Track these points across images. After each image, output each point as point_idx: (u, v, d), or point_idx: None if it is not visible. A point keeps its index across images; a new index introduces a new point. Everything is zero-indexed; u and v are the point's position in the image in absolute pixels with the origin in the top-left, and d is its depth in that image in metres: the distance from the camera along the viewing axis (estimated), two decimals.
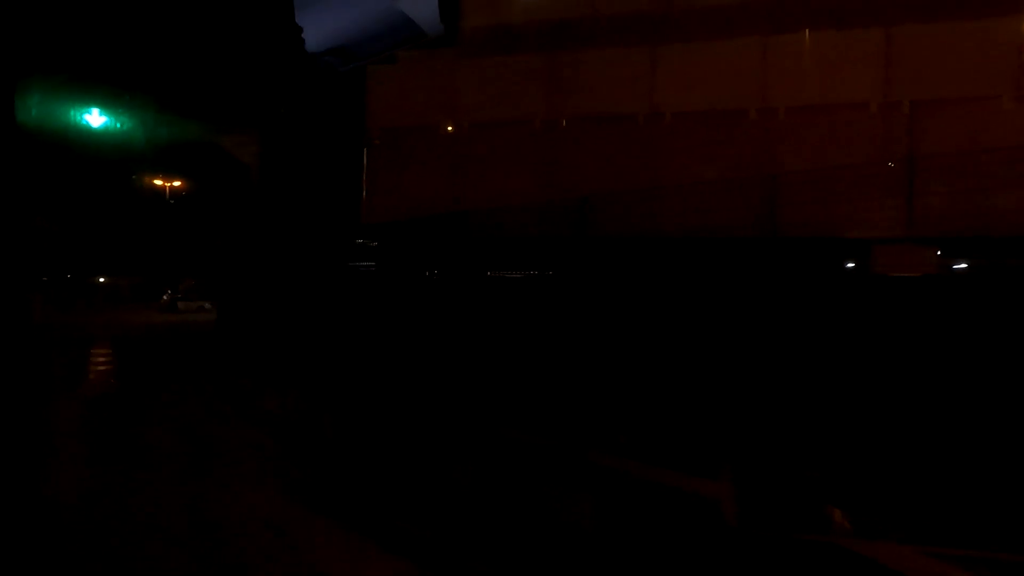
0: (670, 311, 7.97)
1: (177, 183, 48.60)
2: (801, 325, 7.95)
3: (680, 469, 6.70)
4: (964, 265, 10.68)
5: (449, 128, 12.23)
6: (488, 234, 10.82)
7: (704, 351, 7.66)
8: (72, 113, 16.88)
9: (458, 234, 11.05)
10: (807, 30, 10.52)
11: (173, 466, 7.31)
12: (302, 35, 17.98)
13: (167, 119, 18.62)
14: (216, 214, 24.40)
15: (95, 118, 16.94)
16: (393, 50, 16.36)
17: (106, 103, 17.06)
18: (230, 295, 21.74)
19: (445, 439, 7.67)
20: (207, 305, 45.76)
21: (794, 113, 10.57)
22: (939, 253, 9.68)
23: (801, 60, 10.48)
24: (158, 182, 47.71)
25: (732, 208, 9.85)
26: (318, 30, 19.22)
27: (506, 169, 11.67)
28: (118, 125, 17.24)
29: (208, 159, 20.15)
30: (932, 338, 7.49)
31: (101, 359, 12.13)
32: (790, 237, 9.89)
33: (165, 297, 47.68)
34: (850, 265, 10.19)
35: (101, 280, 55.90)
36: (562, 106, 11.59)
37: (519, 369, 8.41)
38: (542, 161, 11.57)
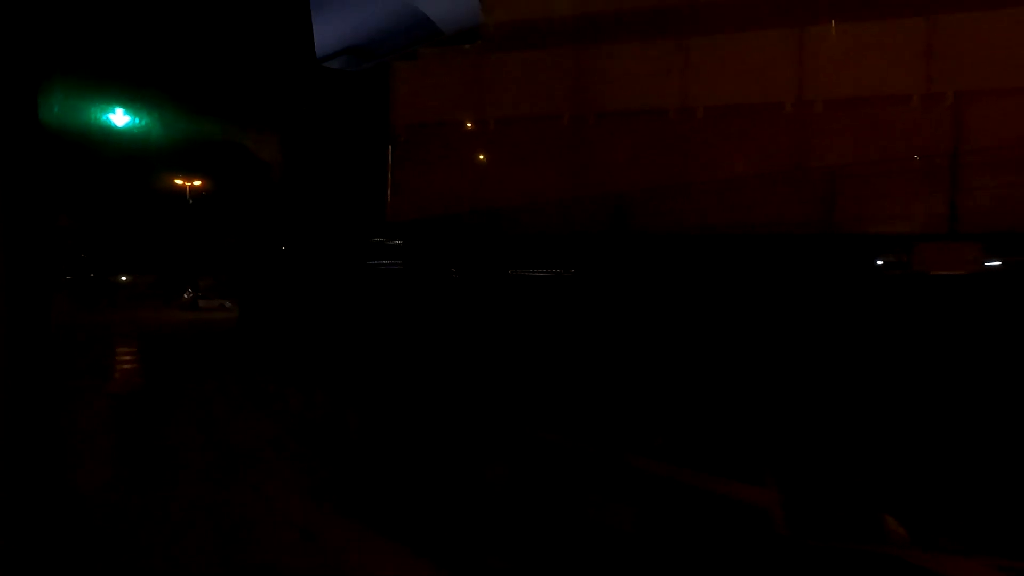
0: (706, 310, 7.73)
1: (197, 183, 49.01)
2: (842, 324, 7.69)
3: (719, 473, 6.47)
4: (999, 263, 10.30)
5: (473, 125, 12.03)
6: (516, 232, 10.61)
7: (743, 350, 7.43)
8: (96, 112, 16.87)
9: (485, 232, 10.85)
10: (845, 20, 10.17)
11: (200, 465, 7.22)
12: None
13: (189, 118, 18.61)
14: (238, 213, 24.43)
15: (119, 117, 16.92)
16: (409, 48, 16.24)
17: (130, 102, 17.04)
18: (252, 294, 21.77)
19: (477, 441, 7.49)
20: (227, 303, 46.07)
21: (832, 106, 10.23)
22: (982, 250, 9.36)
23: (839, 51, 10.13)
24: (178, 181, 48.14)
25: (768, 204, 9.57)
26: (331, 30, 19.15)
27: (533, 166, 11.44)
28: (141, 124, 17.22)
29: (230, 158, 20.17)
30: (980, 337, 7.20)
31: (127, 358, 12.10)
32: (828, 233, 9.57)
33: (186, 295, 48.03)
34: (889, 262, 9.88)
35: (123, 279, 56.50)
36: (590, 101, 11.33)
37: (553, 370, 8.22)
38: (570, 157, 11.32)
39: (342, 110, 17.14)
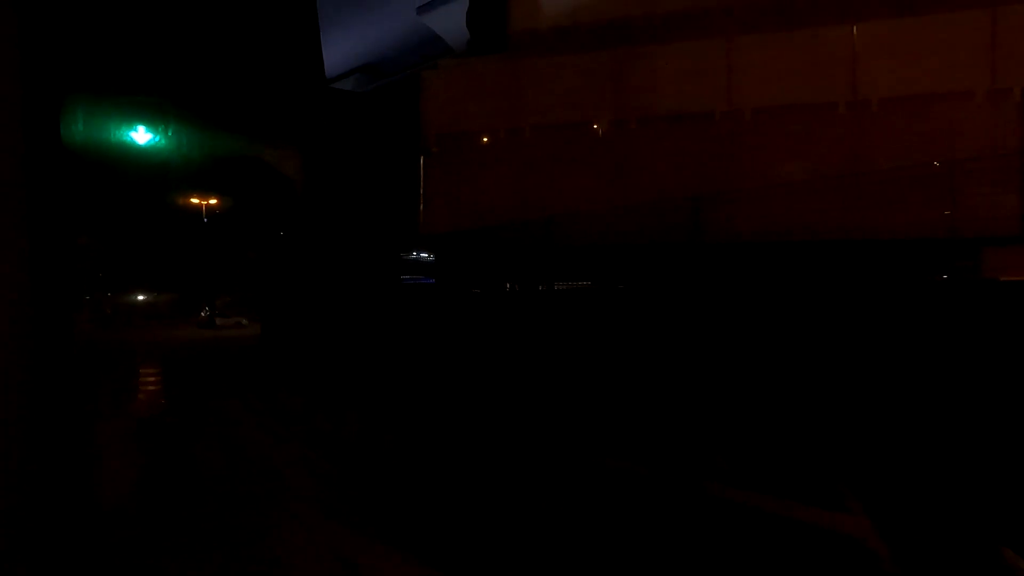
0: (772, 320, 7.24)
1: (213, 200, 49.15)
2: (914, 333, 7.16)
3: (790, 496, 5.94)
4: None
5: (507, 133, 11.62)
6: (556, 243, 10.16)
7: (816, 362, 6.92)
8: (117, 131, 16.67)
9: (523, 243, 10.41)
10: (900, 15, 9.71)
11: (229, 489, 6.75)
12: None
13: (209, 134, 18.38)
14: (259, 229, 24.20)
15: (141, 135, 16.69)
16: (417, 68, 16.06)
17: (151, 120, 16.82)
18: (274, 311, 21.43)
19: (532, 468, 7.00)
20: (244, 321, 46.04)
21: (889, 105, 9.75)
22: None
23: (895, 48, 9.66)
24: (195, 200, 48.29)
25: (823, 209, 9.05)
26: (340, 50, 18.89)
27: (572, 174, 11.02)
28: (163, 142, 16.99)
29: (251, 173, 19.91)
30: None
31: (150, 379, 11.77)
32: (892, 240, 9.05)
33: (203, 313, 48.00)
34: (959, 268, 9.33)
35: (139, 297, 56.61)
36: (630, 106, 10.91)
37: (606, 389, 7.73)
38: (610, 164, 10.89)
39: (368, 122, 16.90)
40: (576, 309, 9.01)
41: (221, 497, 6.35)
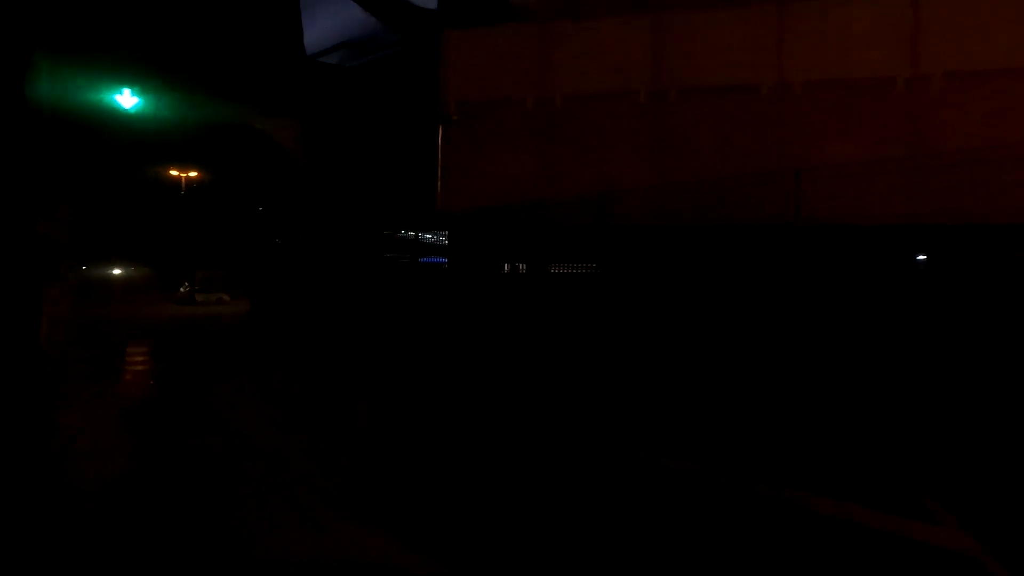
0: (825, 310, 6.64)
1: (193, 173, 47.71)
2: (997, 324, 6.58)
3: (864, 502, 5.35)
4: None
5: (536, 102, 10.78)
6: (587, 222, 9.43)
7: (895, 356, 6.35)
8: (99, 93, 15.51)
9: (551, 222, 9.66)
10: None
11: (237, 487, 5.96)
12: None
13: (200, 100, 17.27)
14: (251, 200, 23.09)
15: (126, 99, 15.52)
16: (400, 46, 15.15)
17: (138, 83, 15.68)
18: (264, 289, 20.48)
19: (564, 462, 6.34)
20: (225, 297, 44.74)
21: (954, 80, 9.11)
22: None
23: (962, 18, 9.01)
24: (174, 172, 46.79)
25: (876, 192, 8.46)
26: (323, 26, 17.90)
27: (606, 148, 10.25)
28: (150, 107, 15.86)
29: (244, 143, 18.85)
30: None
31: (136, 360, 10.89)
32: (969, 225, 8.43)
33: (183, 289, 46.56)
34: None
35: (115, 271, 54.84)
36: (671, 76, 10.15)
37: (643, 377, 7.09)
38: (649, 139, 10.15)
39: (375, 91, 15.97)
40: (598, 293, 8.31)
41: (228, 499, 5.58)
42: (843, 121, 9.30)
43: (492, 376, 8.97)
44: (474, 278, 9.68)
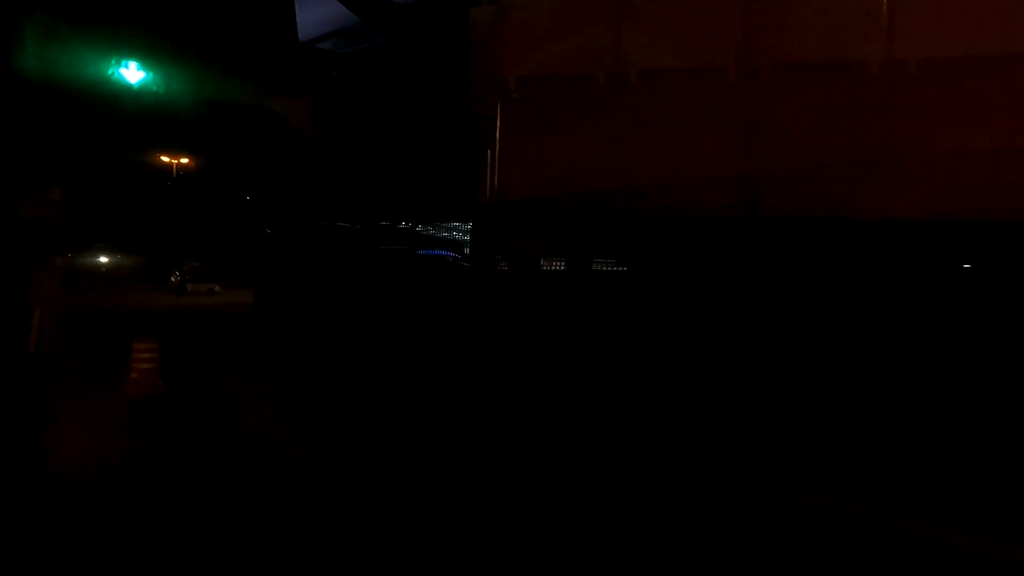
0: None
1: (185, 160, 46.44)
2: None
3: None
4: None
5: (609, 79, 9.63)
6: (667, 215, 8.33)
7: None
8: (100, 66, 14.18)
9: (624, 215, 8.53)
10: None
11: (273, 505, 5.01)
12: None
13: (210, 77, 15.98)
14: (252, 187, 21.69)
15: (132, 73, 14.17)
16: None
17: (144, 56, 14.36)
18: (270, 278, 19.27)
19: (669, 494, 5.28)
20: (216, 288, 43.60)
21: None
22: None
23: None
24: (165, 158, 45.51)
25: (1007, 185, 7.44)
26: (316, 12, 16.87)
27: (688, 132, 9.12)
28: (155, 82, 14.55)
29: (250, 124, 17.59)
30: None
31: (145, 355, 9.74)
32: None
33: (173, 279, 45.19)
34: None
35: (103, 259, 53.28)
36: (764, 51, 9.01)
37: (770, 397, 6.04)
38: (738, 122, 9.02)
39: (398, 70, 14.77)
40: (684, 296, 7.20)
41: (266, 520, 4.64)
42: (966, 105, 8.24)
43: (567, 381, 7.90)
44: (568, 282, 8.50)
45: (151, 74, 14.22)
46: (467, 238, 13.94)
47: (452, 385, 9.53)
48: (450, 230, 15.79)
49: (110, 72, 14.72)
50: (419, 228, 16.45)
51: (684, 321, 7.39)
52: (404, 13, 15.80)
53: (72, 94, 15.90)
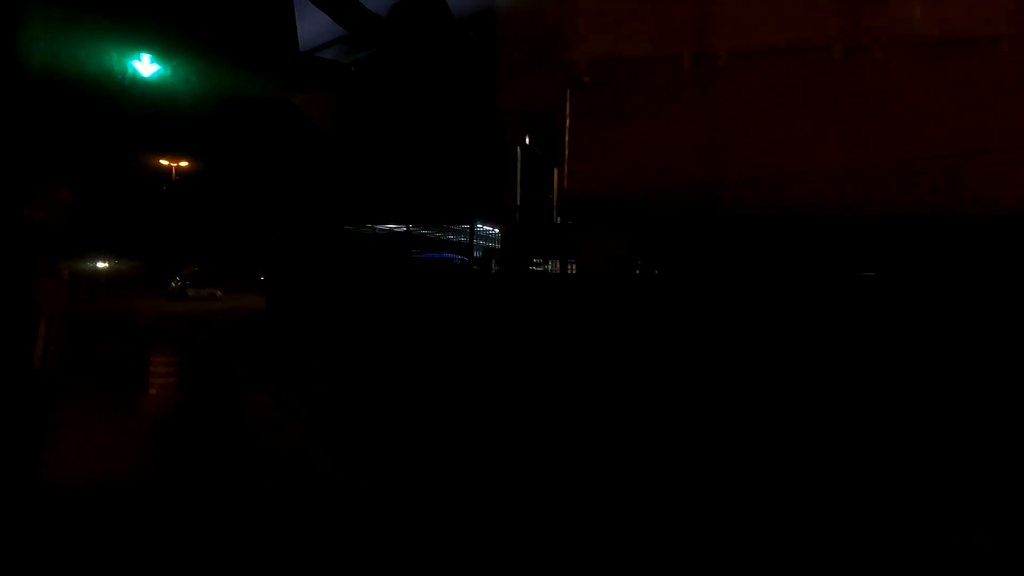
0: None
1: (184, 163, 45.45)
2: None
3: None
4: None
5: (693, 61, 8.58)
6: (765, 214, 7.30)
7: None
8: (117, 60, 13.14)
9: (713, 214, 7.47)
10: None
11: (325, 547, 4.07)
12: None
13: (226, 70, 14.93)
14: (272, 185, 20.51)
15: (145, 66, 13.11)
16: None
17: (159, 49, 13.32)
18: (286, 285, 18.19)
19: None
20: (218, 293, 42.45)
21: None
22: None
23: None
24: (164, 161, 44.47)
25: None
26: (317, 21, 16.00)
27: (786, 118, 8.10)
28: (168, 75, 13.50)
29: (272, 119, 16.51)
30: None
31: (163, 368, 8.62)
32: None
33: (174, 284, 44.00)
34: None
35: (100, 265, 51.97)
36: (876, 25, 8.03)
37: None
38: (844, 106, 8.03)
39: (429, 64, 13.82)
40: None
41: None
42: None
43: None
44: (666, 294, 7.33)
45: (165, 67, 13.15)
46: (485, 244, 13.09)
47: (503, 408, 8.47)
48: (478, 237, 14.88)
49: (123, 65, 13.68)
50: (438, 234, 15.56)
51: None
52: (389, 26, 15.18)
53: (77, 88, 14.89)
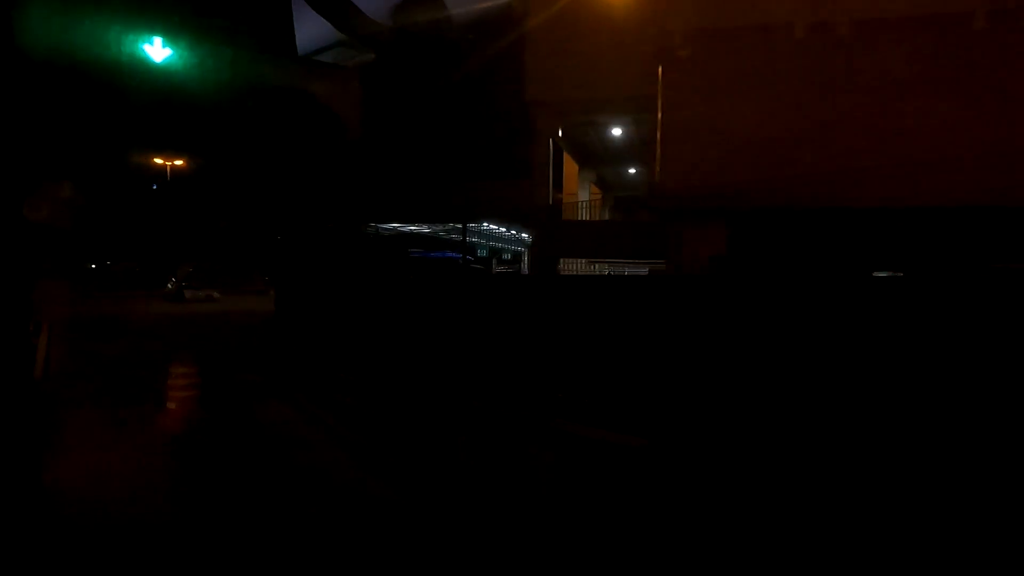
0: None
1: (179, 162, 44.33)
2: None
3: None
4: None
5: (808, 29, 7.49)
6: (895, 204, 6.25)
7: None
8: (127, 43, 12.02)
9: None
10: None
11: None
12: None
13: (242, 55, 13.79)
14: (284, 180, 19.23)
15: (157, 50, 11.96)
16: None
17: (171, 33, 12.21)
18: (298, 286, 17.06)
19: None
20: (215, 294, 41.12)
21: None
22: None
23: None
24: (159, 160, 43.31)
25: None
26: (316, 25, 15.19)
27: (917, 96, 7.04)
28: (181, 60, 12.37)
29: (288, 109, 15.38)
30: None
31: (180, 381, 7.53)
32: None
33: (170, 285, 42.63)
34: None
35: (91, 265, 50.53)
36: None
37: None
38: (985, 84, 7.01)
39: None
40: None
41: None
42: None
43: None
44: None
45: (178, 51, 11.99)
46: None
47: None
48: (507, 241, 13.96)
49: (121, 44, 12.54)
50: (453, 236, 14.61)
51: None
52: (387, 31, 14.49)
53: (77, 75, 13.72)
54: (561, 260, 16.72)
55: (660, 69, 7.80)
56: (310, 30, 15.11)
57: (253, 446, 6.61)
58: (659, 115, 7.85)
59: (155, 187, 46.82)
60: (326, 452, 6.35)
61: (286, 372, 12.32)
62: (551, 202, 14.59)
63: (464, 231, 15.18)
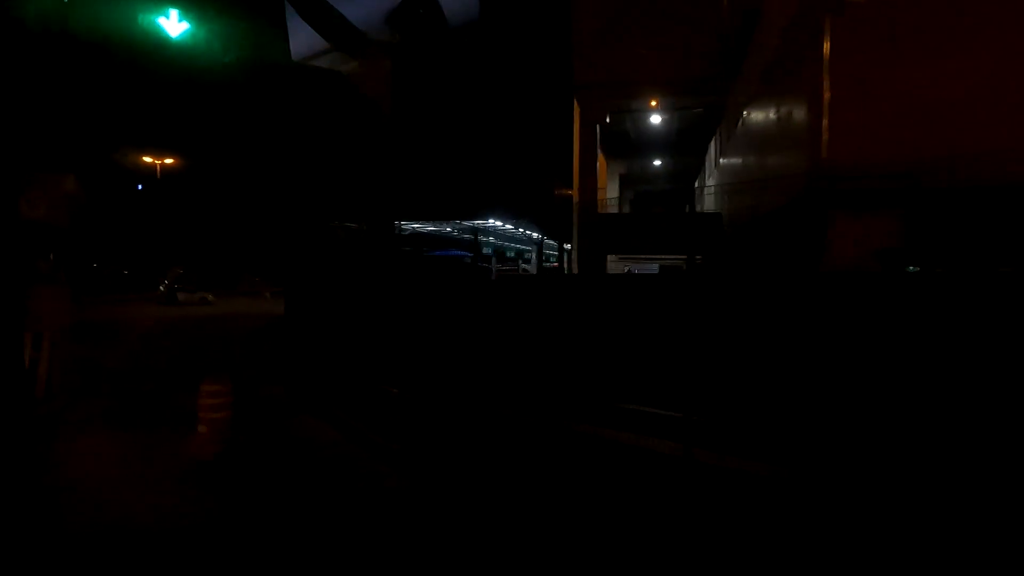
0: None
1: (169, 160, 43.18)
2: None
3: None
4: None
5: None
6: None
7: None
8: (140, 17, 10.74)
9: None
10: None
11: None
12: None
13: (266, 30, 12.48)
14: (302, 171, 17.84)
15: (173, 24, 10.73)
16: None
17: (188, 5, 10.98)
18: (311, 288, 15.80)
19: None
20: (209, 297, 39.92)
21: None
22: None
23: None
24: (148, 159, 42.19)
25: None
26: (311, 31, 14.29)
27: None
28: (198, 35, 11.08)
29: (315, 91, 14.12)
30: None
31: (212, 400, 6.32)
32: None
33: (161, 288, 41.34)
34: None
35: (80, 269, 48.95)
36: None
37: None
38: None
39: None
40: None
41: None
42: None
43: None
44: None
45: (196, 25, 10.65)
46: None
47: None
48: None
49: (148, 20, 11.19)
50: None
51: None
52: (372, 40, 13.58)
53: (82, 55, 12.27)
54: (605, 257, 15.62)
55: (827, 22, 6.52)
56: (305, 38, 14.26)
57: (292, 476, 5.52)
58: (824, 78, 6.56)
59: (140, 187, 45.67)
60: (383, 480, 5.20)
61: (310, 383, 11.32)
62: (596, 190, 13.64)
63: (475, 230, 14.07)
